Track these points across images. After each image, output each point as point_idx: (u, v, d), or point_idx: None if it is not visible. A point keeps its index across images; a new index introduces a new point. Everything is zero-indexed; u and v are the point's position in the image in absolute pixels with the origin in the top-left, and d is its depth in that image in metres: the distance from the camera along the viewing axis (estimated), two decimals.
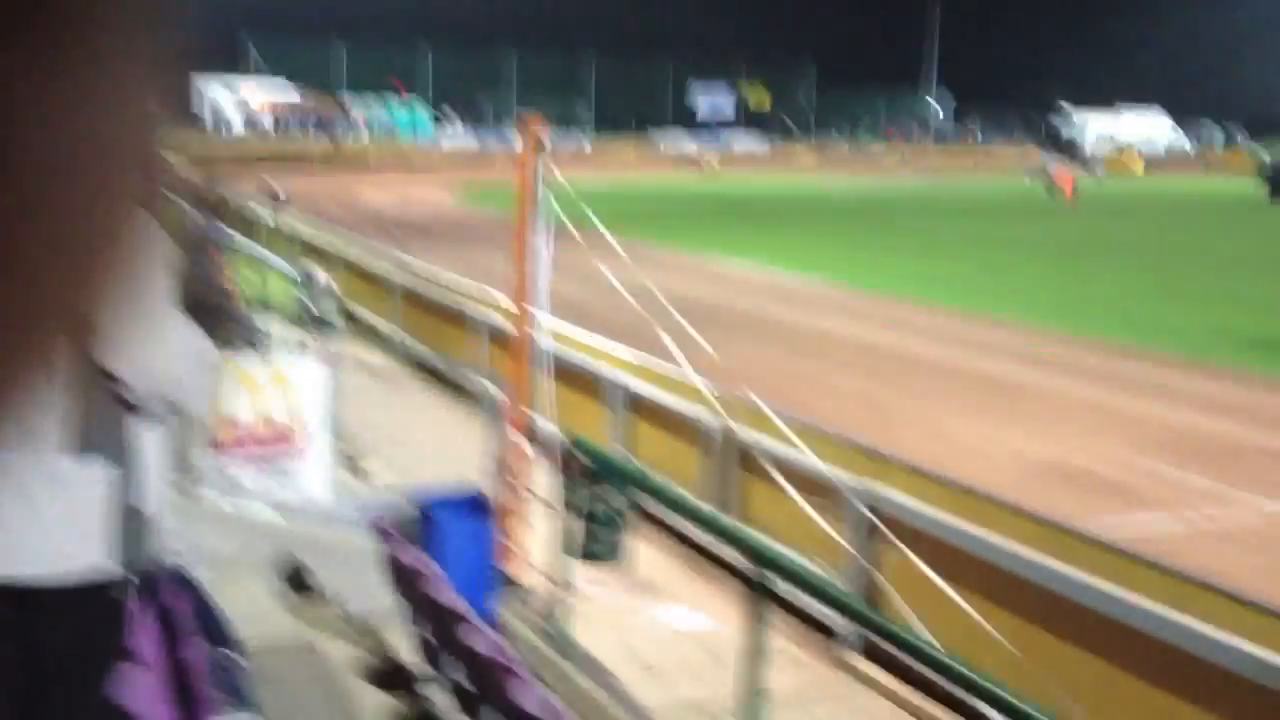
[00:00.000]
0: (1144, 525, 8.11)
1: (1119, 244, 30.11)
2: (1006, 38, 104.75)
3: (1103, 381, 13.10)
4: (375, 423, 9.91)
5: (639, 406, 9.17)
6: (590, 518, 5.04)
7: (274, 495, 8.04)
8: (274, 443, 8.40)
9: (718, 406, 7.79)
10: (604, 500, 5.03)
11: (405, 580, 4.44)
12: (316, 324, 10.13)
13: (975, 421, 11.20)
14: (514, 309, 7.30)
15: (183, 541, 2.88)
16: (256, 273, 12.30)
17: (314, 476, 8.33)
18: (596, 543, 4.98)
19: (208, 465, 7.59)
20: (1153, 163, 78.99)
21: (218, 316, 8.84)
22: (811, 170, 72.88)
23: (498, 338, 11.57)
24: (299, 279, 10.94)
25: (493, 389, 10.87)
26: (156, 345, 2.33)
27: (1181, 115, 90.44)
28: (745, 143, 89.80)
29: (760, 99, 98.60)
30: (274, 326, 12.68)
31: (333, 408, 8.59)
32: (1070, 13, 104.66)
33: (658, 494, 4.51)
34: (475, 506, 5.61)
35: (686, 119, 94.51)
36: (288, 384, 8.48)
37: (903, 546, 5.89)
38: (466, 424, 10.46)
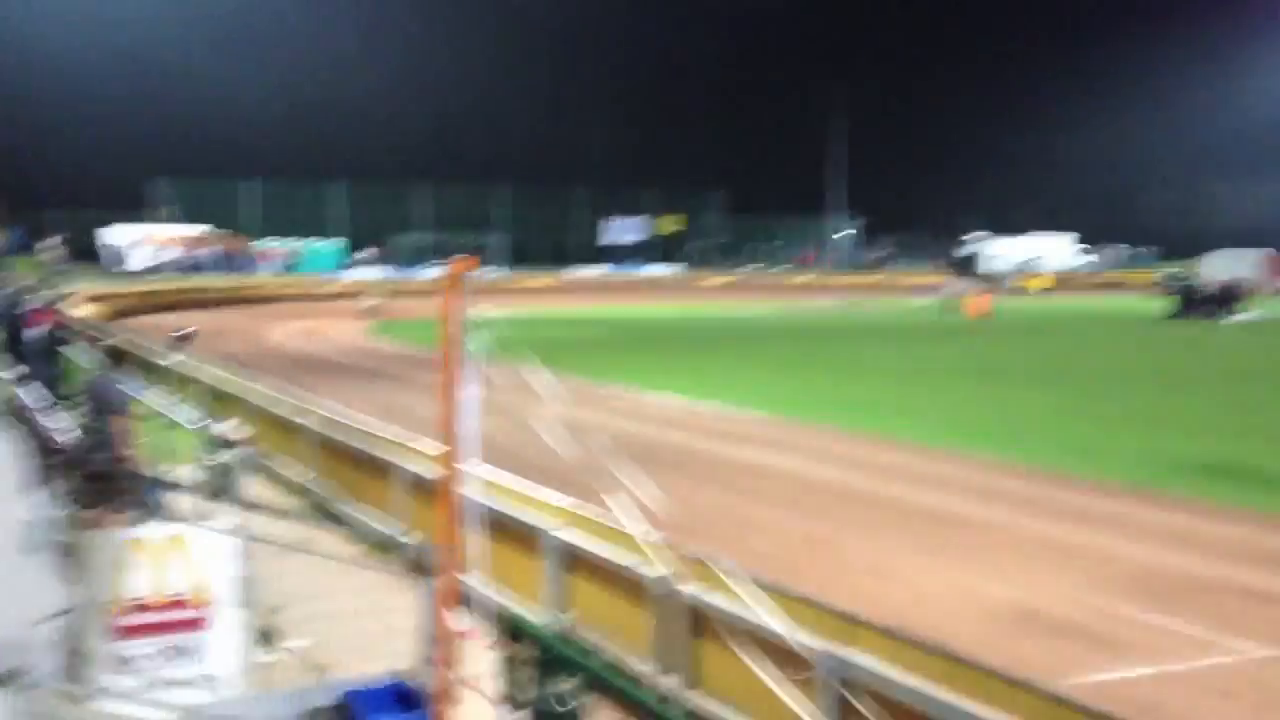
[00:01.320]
0: (1135, 682, 7.55)
1: (1037, 364, 30.32)
2: (916, 165, 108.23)
3: (1049, 512, 12.69)
4: (292, 590, 9.07)
5: (579, 563, 8.47)
6: (539, 713, 4.33)
7: (180, 678, 7.22)
8: (178, 619, 7.60)
9: (670, 567, 7.14)
10: (554, 691, 4.34)
11: None
12: (225, 482, 9.32)
13: (928, 561, 10.65)
14: (440, 457, 6.64)
15: None
16: (159, 425, 11.47)
17: (225, 655, 7.50)
18: None
19: (106, 652, 6.76)
20: (1061, 281, 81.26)
21: (115, 486, 8.06)
22: (725, 295, 73.55)
23: (422, 489, 10.84)
24: (206, 431, 10.13)
25: (419, 549, 10.10)
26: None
27: (1090, 239, 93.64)
28: (659, 270, 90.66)
29: (671, 227, 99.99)
30: (177, 486, 11.80)
31: (243, 576, 7.79)
32: (980, 142, 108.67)
33: (619, 689, 3.85)
34: (404, 701, 4.86)
35: (600, 252, 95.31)
36: (191, 552, 7.70)
37: None
38: (394, 588, 9.67)
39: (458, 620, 5.39)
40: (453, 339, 6.65)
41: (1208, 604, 9.21)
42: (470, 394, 6.50)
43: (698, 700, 7.02)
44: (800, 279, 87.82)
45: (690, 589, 7.06)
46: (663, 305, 61.94)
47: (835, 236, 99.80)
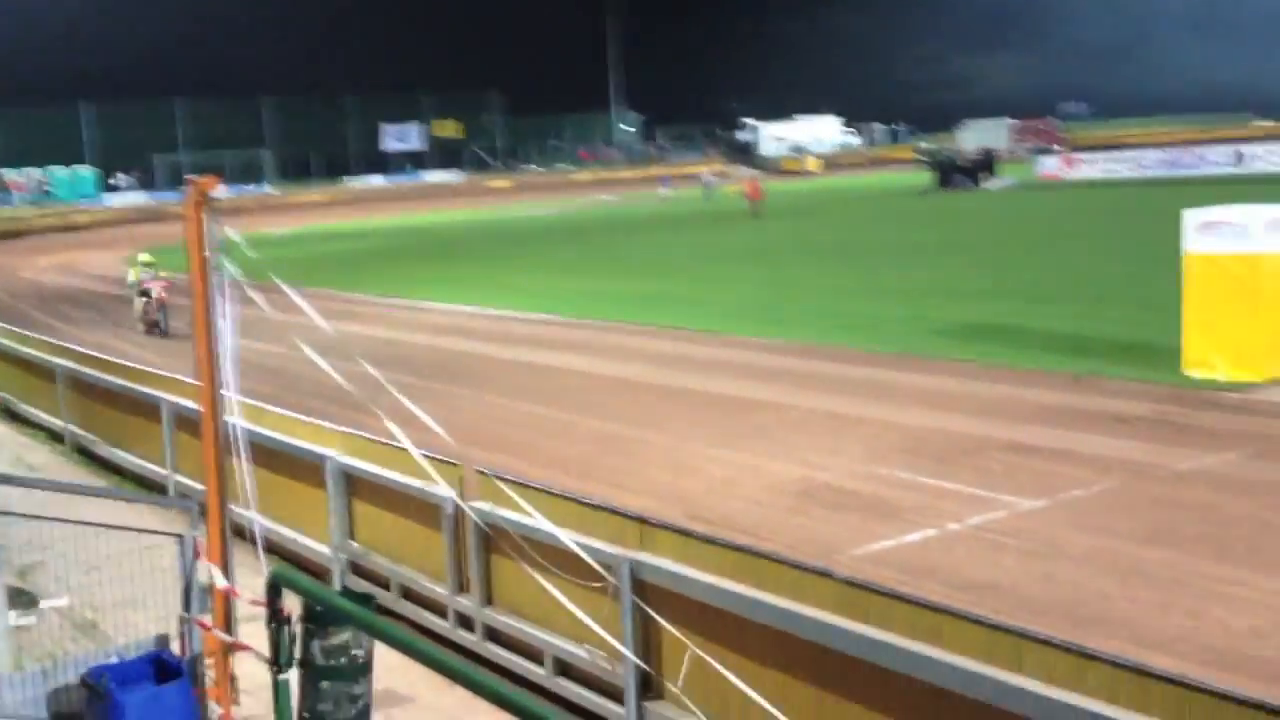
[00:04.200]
0: (915, 545, 7.81)
1: (809, 244, 31.08)
2: (687, 58, 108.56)
3: (828, 388, 13.03)
4: (47, 544, 8.43)
5: (364, 489, 8.15)
6: (313, 671, 4.08)
7: None
8: None
9: (456, 486, 6.92)
10: (326, 646, 4.09)
11: None
12: None
13: (719, 449, 10.77)
14: (199, 387, 6.19)
15: None
16: None
17: None
18: (323, 702, 4.02)
19: None
20: (827, 161, 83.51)
21: None
22: (508, 197, 72.67)
23: (188, 424, 10.25)
24: None
25: (186, 490, 9.53)
26: None
27: (853, 119, 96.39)
28: (439, 176, 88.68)
29: (450, 131, 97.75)
30: None
31: None
32: (746, 30, 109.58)
33: (392, 641, 3.62)
34: (162, 670, 4.52)
35: (378, 161, 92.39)
36: None
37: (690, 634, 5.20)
38: (165, 526, 9.12)
39: (220, 577, 5.06)
40: (202, 264, 6.17)
41: (976, 463, 9.64)
42: (222, 321, 6.06)
43: (494, 617, 6.90)
44: (582, 176, 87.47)
45: (479, 506, 6.87)
46: (445, 211, 60.72)
47: (625, 133, 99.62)
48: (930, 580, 6.95)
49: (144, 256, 21.77)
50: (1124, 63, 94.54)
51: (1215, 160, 46.05)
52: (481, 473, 6.92)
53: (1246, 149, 46.70)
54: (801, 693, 5.16)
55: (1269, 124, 76.88)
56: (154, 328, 20.69)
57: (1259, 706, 3.51)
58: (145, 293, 20.89)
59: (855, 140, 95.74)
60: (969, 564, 7.44)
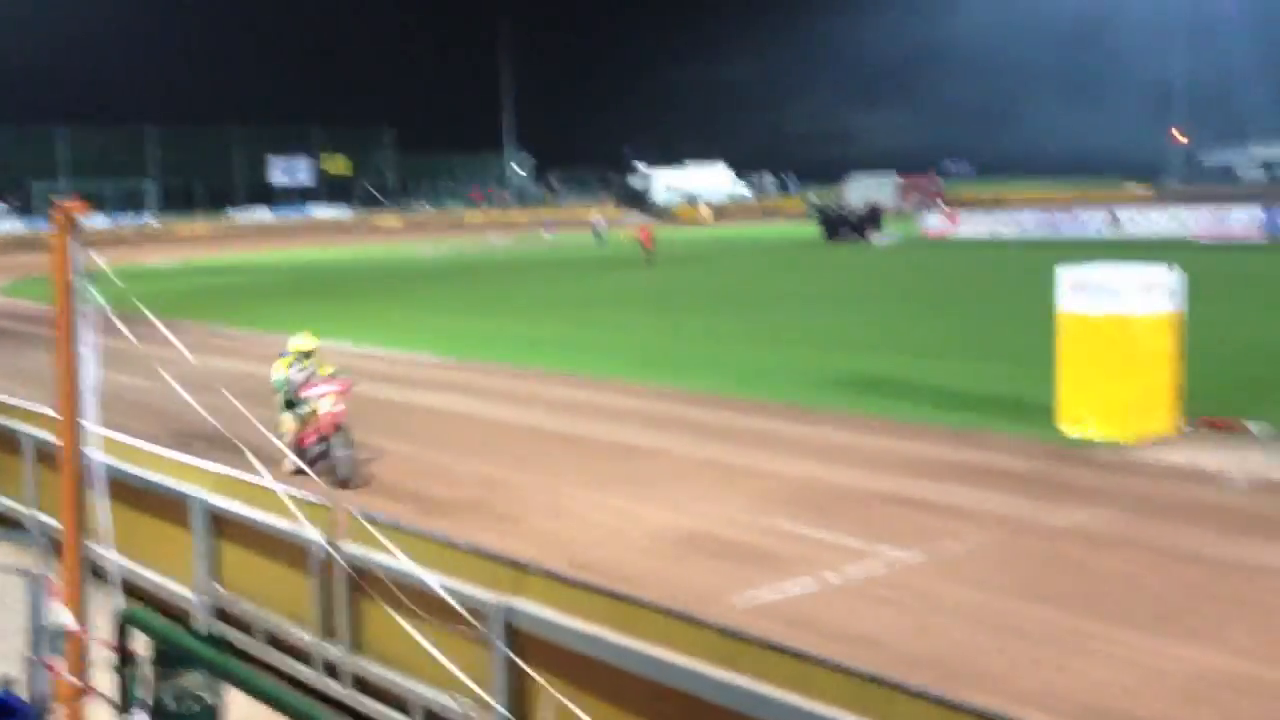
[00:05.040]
0: (795, 596, 7.80)
1: (700, 292, 31.33)
2: (581, 100, 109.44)
3: (714, 436, 13.05)
4: None
5: (231, 530, 7.86)
6: (164, 716, 3.87)
7: None
8: None
9: (325, 528, 6.70)
10: (176, 690, 3.88)
11: None
12: None
13: (601, 495, 10.68)
14: (60, 421, 5.89)
15: None
16: None
17: None
18: None
19: None
20: (719, 211, 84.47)
21: None
22: (398, 236, 72.02)
23: (49, 458, 9.80)
24: None
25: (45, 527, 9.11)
26: None
27: (743, 169, 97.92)
28: (328, 212, 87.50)
29: (340, 167, 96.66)
30: None
31: None
32: (641, 77, 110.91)
33: (246, 685, 3.44)
34: (6, 715, 4.25)
35: (265, 194, 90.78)
36: None
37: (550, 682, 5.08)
38: (18, 562, 8.67)
39: (70, 619, 4.79)
40: (66, 291, 5.90)
41: (860, 515, 9.70)
42: (86, 351, 5.80)
43: (363, 666, 6.68)
44: (473, 216, 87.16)
45: (348, 549, 6.67)
46: (333, 248, 59.89)
47: (516, 174, 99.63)
48: (807, 632, 6.93)
49: (301, 341, 12.29)
50: (1001, 124, 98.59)
51: (1092, 222, 48.04)
52: (350, 514, 6.72)
53: (1121, 212, 48.82)
54: None
55: (1141, 188, 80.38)
56: (315, 461, 11.10)
57: None
58: (295, 403, 11.71)
59: (745, 190, 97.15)
60: (846, 616, 7.45)
